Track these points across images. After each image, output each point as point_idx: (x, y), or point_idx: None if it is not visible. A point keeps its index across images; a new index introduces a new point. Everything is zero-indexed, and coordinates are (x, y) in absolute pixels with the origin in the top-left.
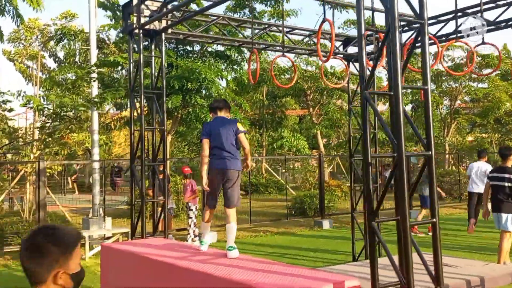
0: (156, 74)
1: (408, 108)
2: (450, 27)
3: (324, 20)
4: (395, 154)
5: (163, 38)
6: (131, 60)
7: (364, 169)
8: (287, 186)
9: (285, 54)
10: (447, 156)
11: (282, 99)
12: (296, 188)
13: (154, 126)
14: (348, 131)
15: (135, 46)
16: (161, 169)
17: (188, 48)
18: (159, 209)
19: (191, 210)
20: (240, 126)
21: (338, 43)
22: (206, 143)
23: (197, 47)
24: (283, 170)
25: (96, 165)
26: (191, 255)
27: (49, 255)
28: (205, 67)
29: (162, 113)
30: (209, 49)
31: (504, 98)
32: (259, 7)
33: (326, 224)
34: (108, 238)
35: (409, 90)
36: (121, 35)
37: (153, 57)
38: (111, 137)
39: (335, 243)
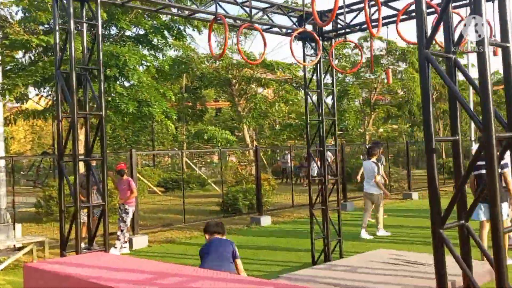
0: (88, 47)
1: (329, 100)
2: None
3: None
4: (468, 139)
5: (99, 0)
6: (57, 29)
7: (428, 157)
8: (210, 182)
9: (254, 24)
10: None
11: (201, 91)
12: (217, 183)
13: (88, 111)
14: (306, 119)
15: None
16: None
17: (104, 32)
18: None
19: (127, 213)
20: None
21: (294, 19)
22: None
23: (113, 31)
24: (200, 164)
25: (2, 163)
26: (150, 277)
27: None
28: (128, 51)
29: (100, 95)
30: (128, 33)
31: (418, 91)
32: None
33: (264, 220)
34: (20, 249)
35: (330, 81)
36: (27, 13)
37: (84, 24)
38: (10, 133)
39: (282, 241)
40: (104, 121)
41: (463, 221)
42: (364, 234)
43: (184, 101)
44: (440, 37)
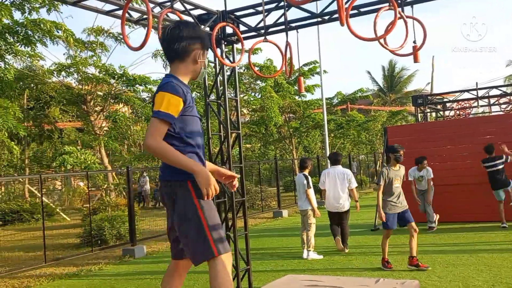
0: None
1: None
2: None
3: None
4: None
5: None
6: None
7: None
8: (59, 211)
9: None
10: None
11: (48, 109)
12: (65, 211)
13: None
14: (208, 133)
15: None
16: None
17: None
18: None
19: None
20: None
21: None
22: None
23: None
24: (43, 191)
25: None
26: None
27: None
28: None
29: None
30: None
31: (276, 111)
32: None
33: (139, 251)
34: None
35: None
36: None
37: None
38: None
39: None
40: None
41: None
42: (308, 255)
43: (28, 119)
44: None
